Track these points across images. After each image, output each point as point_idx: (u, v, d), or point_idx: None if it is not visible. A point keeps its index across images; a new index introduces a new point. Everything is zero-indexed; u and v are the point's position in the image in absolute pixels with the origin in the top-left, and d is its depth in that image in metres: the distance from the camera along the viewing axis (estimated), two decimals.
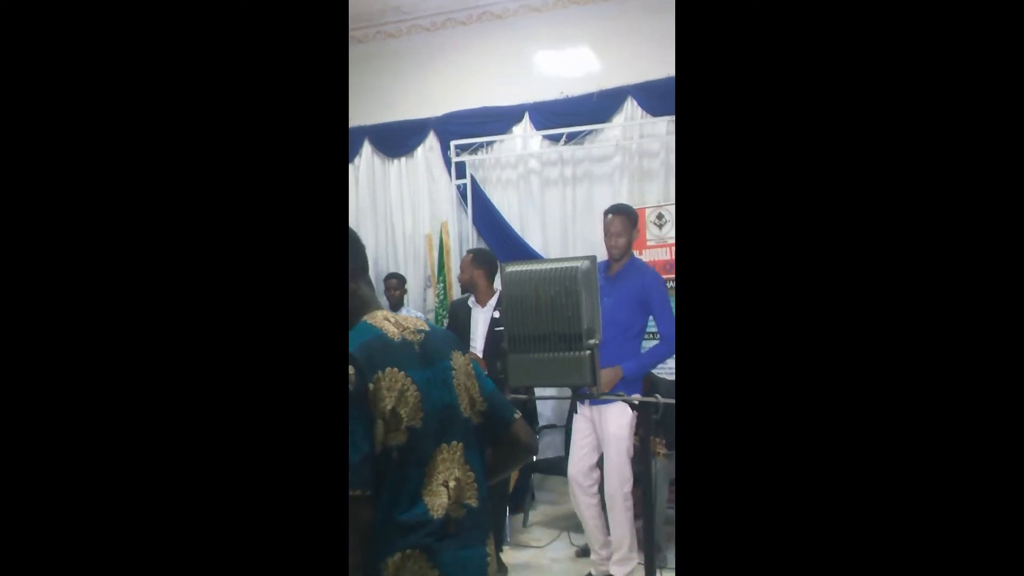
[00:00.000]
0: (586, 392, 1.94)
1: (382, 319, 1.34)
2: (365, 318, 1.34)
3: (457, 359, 1.39)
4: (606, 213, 3.10)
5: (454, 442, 1.32)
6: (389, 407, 1.24)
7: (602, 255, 3.94)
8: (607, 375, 2.81)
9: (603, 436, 3.03)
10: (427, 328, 1.39)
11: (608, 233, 3.05)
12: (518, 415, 1.45)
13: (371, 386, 1.23)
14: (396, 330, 1.33)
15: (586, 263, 1.90)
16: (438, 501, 1.27)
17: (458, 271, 3.89)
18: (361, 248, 1.41)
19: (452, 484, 1.29)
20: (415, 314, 4.57)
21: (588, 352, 1.87)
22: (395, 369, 1.26)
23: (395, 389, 1.25)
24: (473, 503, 1.32)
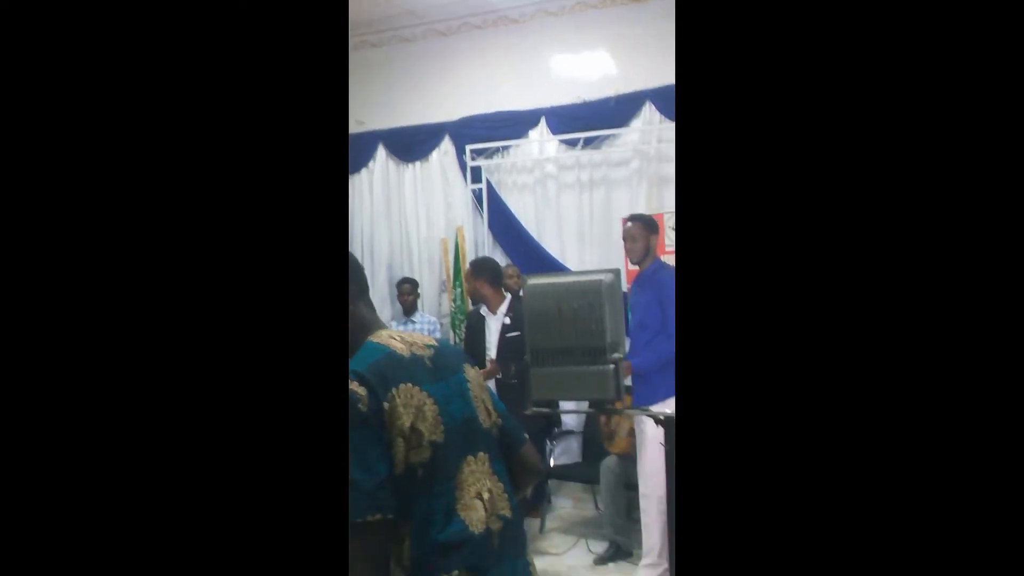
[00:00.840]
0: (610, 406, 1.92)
1: (387, 337, 1.32)
2: (370, 338, 1.31)
3: (469, 372, 1.38)
4: (625, 220, 3.17)
5: (480, 453, 1.30)
6: (408, 424, 1.21)
7: (618, 264, 3.98)
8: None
9: (640, 437, 3.03)
10: (435, 343, 1.37)
11: (626, 239, 3.20)
12: (527, 438, 1.45)
13: (386, 405, 1.20)
14: (404, 346, 1.31)
15: (610, 276, 1.88)
16: (476, 515, 1.24)
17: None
18: (360, 270, 1.39)
19: (486, 496, 1.27)
20: (429, 319, 4.57)
21: (612, 366, 1.86)
22: (410, 385, 1.24)
23: (412, 405, 1.23)
24: (507, 513, 1.30)
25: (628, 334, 3.14)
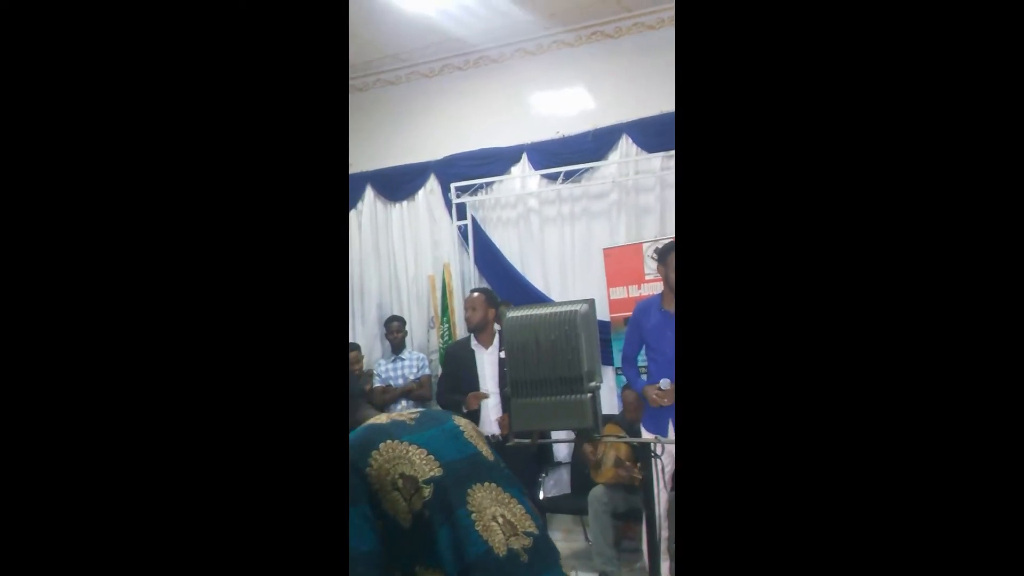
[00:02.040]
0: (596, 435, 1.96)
1: (375, 417, 1.42)
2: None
3: (460, 420, 1.45)
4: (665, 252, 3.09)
5: (487, 483, 1.34)
6: (396, 474, 1.27)
7: (600, 294, 3.99)
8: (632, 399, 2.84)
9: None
10: (422, 410, 1.47)
11: (668, 266, 3.06)
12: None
13: (369, 469, 1.27)
14: (385, 417, 1.40)
15: (584, 306, 1.94)
16: (496, 538, 1.27)
17: (464, 311, 3.84)
18: (355, 381, 1.54)
19: (501, 520, 1.30)
20: (417, 355, 4.60)
21: (589, 395, 1.91)
22: (390, 440, 1.30)
23: (395, 457, 1.28)
24: (534, 530, 1.33)
25: (630, 359, 3.15)
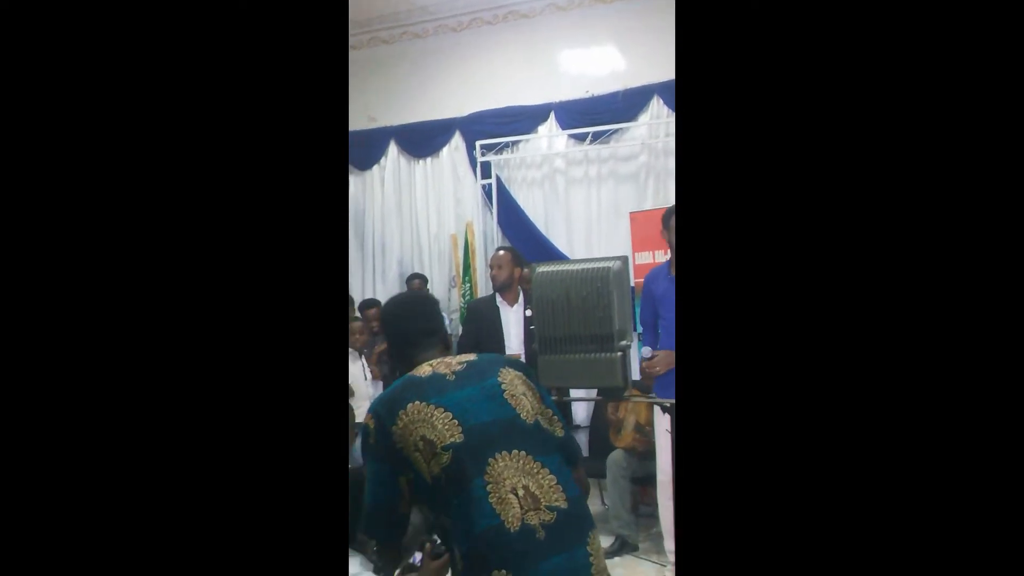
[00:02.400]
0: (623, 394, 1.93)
1: (417, 366, 1.41)
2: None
3: (506, 375, 1.39)
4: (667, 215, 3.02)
5: (516, 451, 1.30)
6: (419, 436, 1.29)
7: (628, 256, 3.93)
8: (665, 357, 2.79)
9: (657, 426, 3.02)
10: (472, 359, 1.42)
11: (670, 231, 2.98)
12: (580, 458, 1.45)
13: (395, 428, 1.30)
14: (429, 368, 1.38)
15: (618, 263, 1.89)
16: (512, 512, 1.24)
17: (489, 269, 3.78)
18: (434, 315, 1.52)
19: (521, 492, 1.26)
20: None
21: (619, 354, 1.87)
22: (417, 402, 1.31)
23: (418, 420, 1.30)
24: (562, 504, 1.28)
25: (648, 325, 3.11)
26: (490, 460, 1.27)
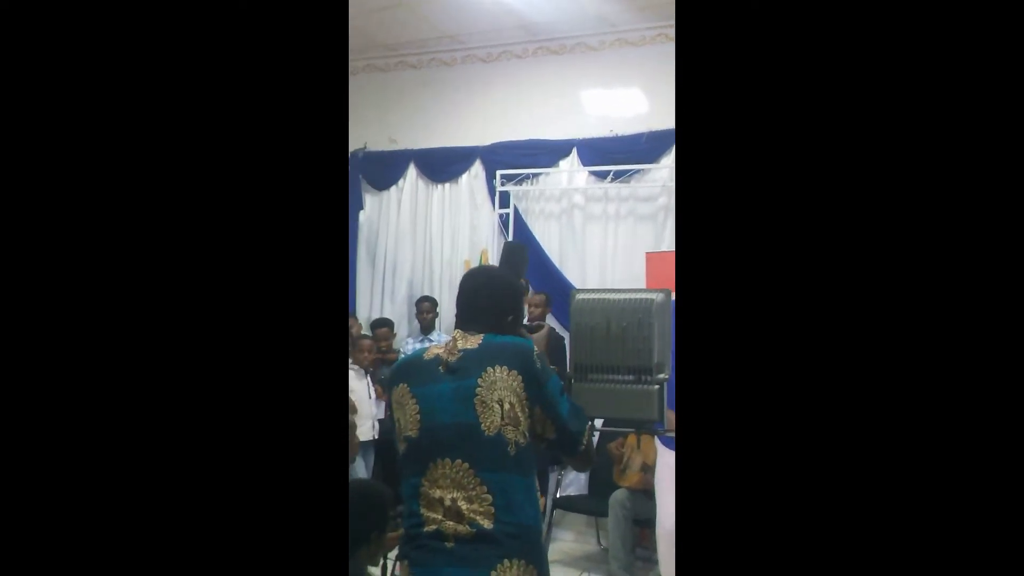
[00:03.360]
0: (659, 427, 1.91)
1: (435, 346, 1.47)
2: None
3: (492, 375, 1.35)
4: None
5: (459, 460, 1.30)
6: (397, 416, 1.41)
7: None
8: None
9: (662, 468, 2.98)
10: (474, 348, 1.40)
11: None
12: (584, 442, 1.46)
13: (392, 396, 1.44)
14: (436, 350, 1.42)
15: (661, 296, 1.89)
16: (432, 515, 1.31)
17: (528, 308, 3.89)
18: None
19: (448, 503, 1.29)
20: (446, 339, 4.54)
21: (657, 387, 1.85)
22: (403, 385, 1.41)
23: (398, 402, 1.40)
24: (486, 524, 1.27)
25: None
26: (431, 465, 1.32)
